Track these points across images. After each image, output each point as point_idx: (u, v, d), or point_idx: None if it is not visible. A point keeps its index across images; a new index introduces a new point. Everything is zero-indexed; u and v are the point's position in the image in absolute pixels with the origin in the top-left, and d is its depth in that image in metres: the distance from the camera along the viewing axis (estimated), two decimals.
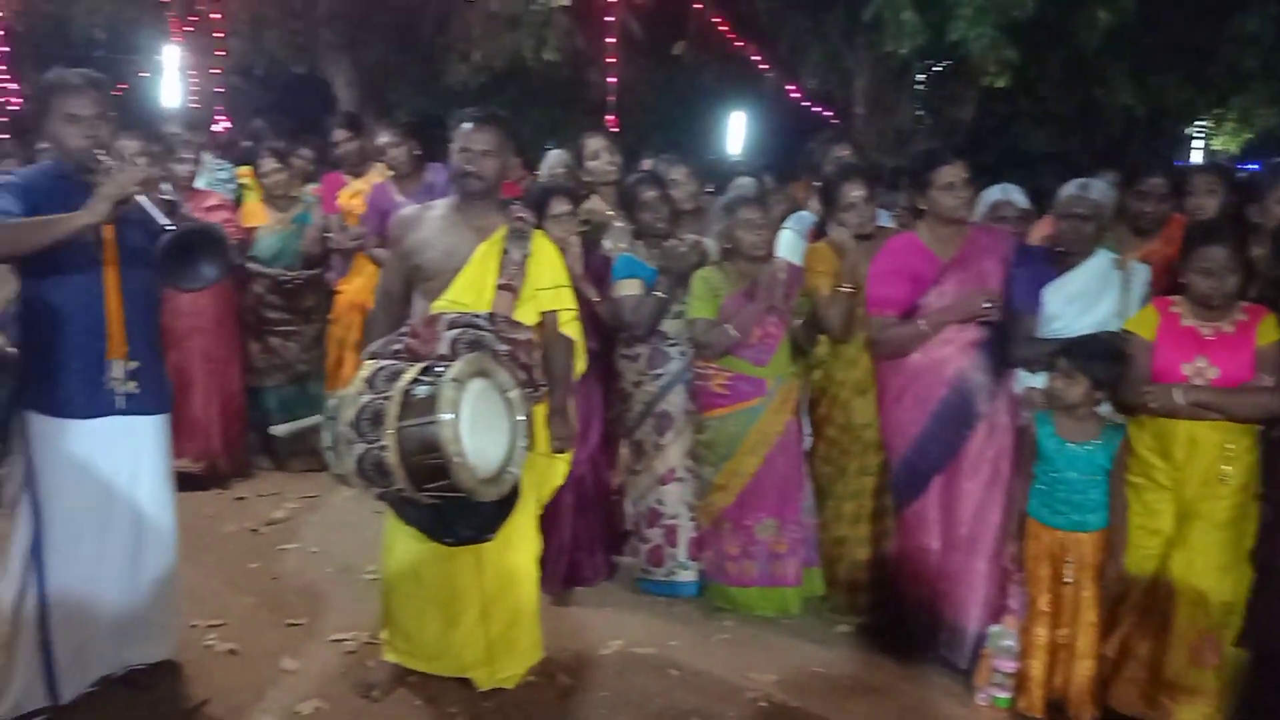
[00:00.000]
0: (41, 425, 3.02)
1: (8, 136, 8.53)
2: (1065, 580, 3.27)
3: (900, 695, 3.51)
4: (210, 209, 5.07)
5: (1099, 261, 3.59)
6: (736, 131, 12.01)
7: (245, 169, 5.80)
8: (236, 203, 5.53)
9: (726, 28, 10.12)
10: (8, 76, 10.47)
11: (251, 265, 5.31)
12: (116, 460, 3.10)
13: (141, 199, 2.86)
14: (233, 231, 5.17)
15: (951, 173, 3.53)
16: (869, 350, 3.81)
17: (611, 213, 4.48)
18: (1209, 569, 3.12)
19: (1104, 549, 3.25)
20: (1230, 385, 3.09)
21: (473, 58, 9.61)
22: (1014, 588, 3.42)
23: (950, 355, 3.55)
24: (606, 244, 4.37)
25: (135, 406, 3.11)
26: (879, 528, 3.90)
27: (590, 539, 4.20)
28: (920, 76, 9.78)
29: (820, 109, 11.20)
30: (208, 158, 5.73)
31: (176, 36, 10.01)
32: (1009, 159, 10.72)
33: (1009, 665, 3.35)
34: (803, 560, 4.01)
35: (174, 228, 2.88)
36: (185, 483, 5.04)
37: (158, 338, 3.30)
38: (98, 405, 3.05)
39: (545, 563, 3.63)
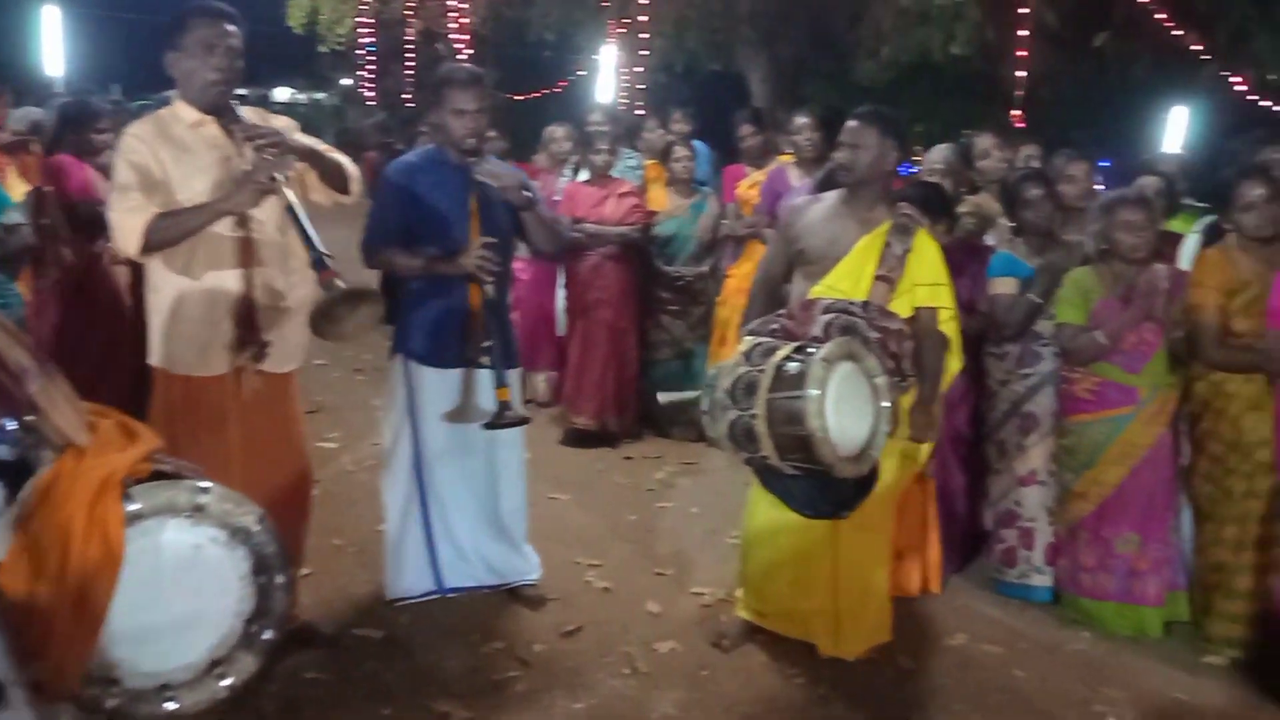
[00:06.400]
0: (415, 369, 3.63)
1: None
2: None
3: None
4: (622, 195, 5.72)
5: None
6: (1175, 129, 11.00)
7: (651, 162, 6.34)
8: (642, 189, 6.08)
9: (1162, 15, 9.34)
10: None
11: (654, 261, 5.83)
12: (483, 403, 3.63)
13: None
14: (639, 217, 5.73)
15: None
16: (1265, 368, 3.50)
17: (999, 209, 4.44)
18: None
19: None
20: None
21: (882, 53, 9.68)
22: None
23: None
24: (990, 239, 4.35)
25: (490, 361, 3.58)
26: (1265, 557, 3.58)
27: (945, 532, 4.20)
28: None
29: (1272, 103, 10.03)
30: (622, 148, 6.31)
31: (611, 37, 10.98)
32: None
33: None
34: (1167, 582, 3.80)
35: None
36: (582, 438, 5.75)
37: (507, 302, 3.81)
38: (460, 359, 3.58)
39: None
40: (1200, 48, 9.59)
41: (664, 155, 5.97)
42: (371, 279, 4.29)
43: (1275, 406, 3.48)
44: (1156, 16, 9.25)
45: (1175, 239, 4.32)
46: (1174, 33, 9.43)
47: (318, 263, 2.76)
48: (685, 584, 4.10)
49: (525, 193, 3.53)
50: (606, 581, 4.06)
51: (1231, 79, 9.83)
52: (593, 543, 4.45)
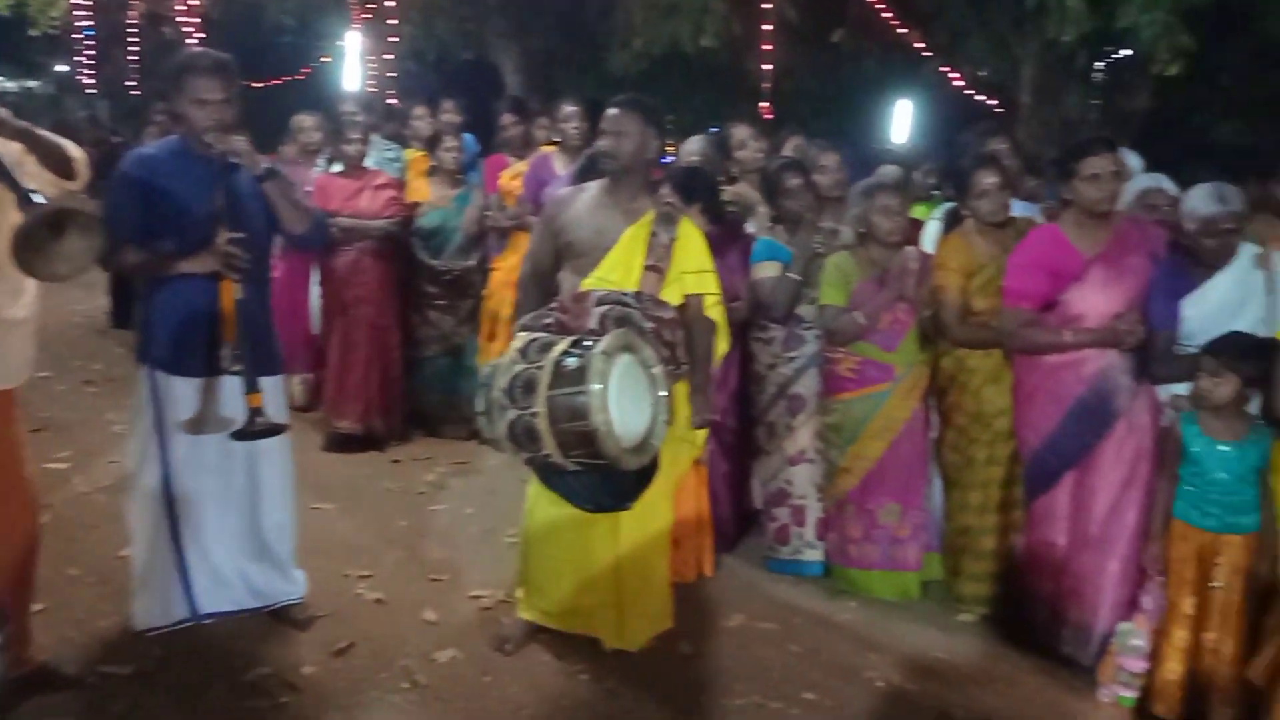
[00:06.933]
0: (163, 379, 3.31)
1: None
2: (1214, 584, 3.17)
3: (1020, 686, 3.49)
4: (379, 186, 5.48)
5: (1240, 266, 3.37)
6: (901, 120, 11.76)
7: (412, 152, 6.13)
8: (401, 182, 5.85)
9: (889, 13, 9.95)
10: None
11: (418, 255, 5.62)
12: (233, 411, 3.33)
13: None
14: (398, 209, 5.52)
15: (1097, 164, 3.44)
16: (1001, 343, 3.76)
17: (759, 198, 4.55)
18: None
19: (1256, 551, 3.15)
20: None
21: (633, 45, 9.80)
22: (1151, 588, 3.33)
23: (1090, 354, 3.49)
24: (750, 227, 4.45)
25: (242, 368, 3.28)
26: (1006, 519, 3.87)
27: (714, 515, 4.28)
28: (1099, 64, 9.43)
29: (985, 97, 10.92)
30: (377, 139, 6.06)
31: (356, 23, 10.56)
32: (1193, 152, 10.17)
33: (1137, 665, 3.29)
34: (923, 545, 4.04)
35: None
36: (346, 443, 5.49)
37: (268, 304, 3.51)
38: (211, 366, 3.30)
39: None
40: (922, 45, 10.30)
41: (431, 144, 5.77)
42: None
43: (1012, 379, 3.75)
44: (884, 15, 9.84)
45: (918, 225, 4.57)
46: (899, 31, 10.08)
47: (24, 200, 2.49)
48: (463, 588, 3.98)
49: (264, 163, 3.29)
50: (379, 592, 3.88)
51: (950, 75, 10.62)
52: (362, 553, 4.24)
